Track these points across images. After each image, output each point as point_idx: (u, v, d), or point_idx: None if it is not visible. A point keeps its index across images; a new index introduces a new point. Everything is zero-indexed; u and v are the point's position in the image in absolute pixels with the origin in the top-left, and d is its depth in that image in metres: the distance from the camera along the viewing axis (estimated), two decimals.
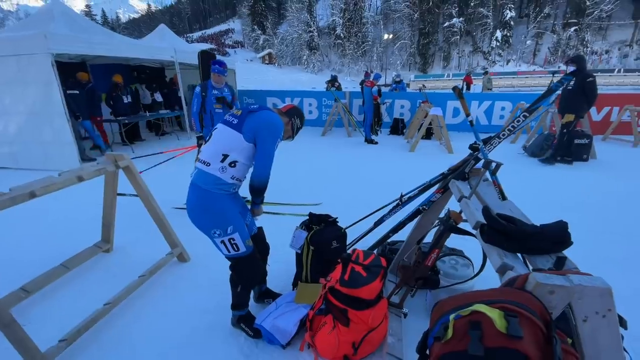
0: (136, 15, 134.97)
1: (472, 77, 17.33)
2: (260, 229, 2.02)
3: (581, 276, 0.84)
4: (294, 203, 3.76)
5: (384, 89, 9.50)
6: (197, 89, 3.61)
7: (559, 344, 0.75)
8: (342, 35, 47.83)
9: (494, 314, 0.76)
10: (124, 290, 2.14)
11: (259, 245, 1.93)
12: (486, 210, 1.10)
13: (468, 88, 15.80)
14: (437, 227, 1.62)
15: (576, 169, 5.37)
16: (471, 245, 1.88)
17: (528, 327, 0.75)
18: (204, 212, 1.62)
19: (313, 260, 2.02)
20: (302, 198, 3.91)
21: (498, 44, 40.63)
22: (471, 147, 1.74)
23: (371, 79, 7.43)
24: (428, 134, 7.67)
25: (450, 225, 1.49)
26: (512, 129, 1.58)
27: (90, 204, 3.55)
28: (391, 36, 45.91)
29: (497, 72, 30.27)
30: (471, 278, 1.51)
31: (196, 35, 67.92)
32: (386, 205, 2.17)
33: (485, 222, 1.13)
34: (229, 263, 1.77)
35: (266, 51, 51.50)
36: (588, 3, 36.43)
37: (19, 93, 5.14)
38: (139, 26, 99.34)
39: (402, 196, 2.06)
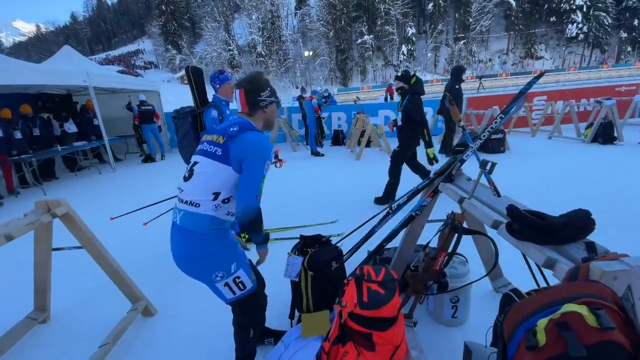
0: (22, 39, 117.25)
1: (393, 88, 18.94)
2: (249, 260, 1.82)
3: (630, 258, 0.90)
4: (311, 224, 3.47)
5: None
6: (213, 112, 2.79)
7: (639, 323, 0.79)
8: (263, 53, 48.22)
9: (583, 310, 0.76)
10: None
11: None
12: (514, 209, 1.14)
13: (391, 98, 17.18)
14: (441, 230, 1.65)
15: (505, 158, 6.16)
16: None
17: (611, 315, 0.77)
18: (199, 258, 1.37)
19: (314, 287, 1.88)
20: (290, 217, 3.72)
21: (405, 57, 45.54)
22: (454, 150, 1.83)
23: (310, 94, 7.60)
24: (366, 142, 8.07)
25: (459, 226, 1.52)
26: (491, 130, 1.70)
27: (8, 266, 2.85)
28: (311, 53, 47.87)
29: None
30: (486, 275, 1.56)
31: (100, 57, 61.31)
32: (375, 216, 2.15)
33: (511, 220, 1.17)
34: (200, 310, 1.53)
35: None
36: (471, 20, 43.37)
37: None
38: (27, 50, 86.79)
39: (391, 205, 2.07)
